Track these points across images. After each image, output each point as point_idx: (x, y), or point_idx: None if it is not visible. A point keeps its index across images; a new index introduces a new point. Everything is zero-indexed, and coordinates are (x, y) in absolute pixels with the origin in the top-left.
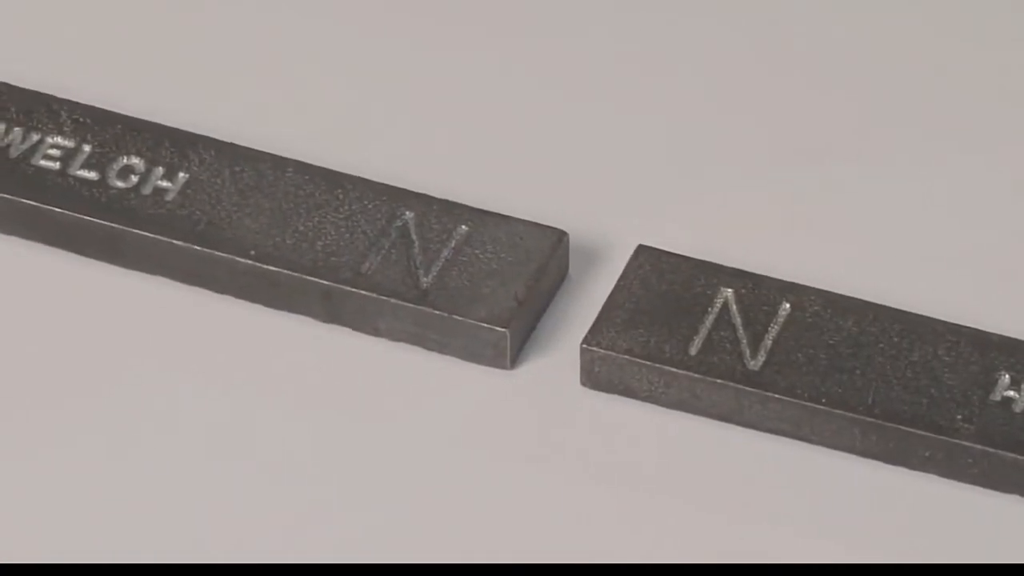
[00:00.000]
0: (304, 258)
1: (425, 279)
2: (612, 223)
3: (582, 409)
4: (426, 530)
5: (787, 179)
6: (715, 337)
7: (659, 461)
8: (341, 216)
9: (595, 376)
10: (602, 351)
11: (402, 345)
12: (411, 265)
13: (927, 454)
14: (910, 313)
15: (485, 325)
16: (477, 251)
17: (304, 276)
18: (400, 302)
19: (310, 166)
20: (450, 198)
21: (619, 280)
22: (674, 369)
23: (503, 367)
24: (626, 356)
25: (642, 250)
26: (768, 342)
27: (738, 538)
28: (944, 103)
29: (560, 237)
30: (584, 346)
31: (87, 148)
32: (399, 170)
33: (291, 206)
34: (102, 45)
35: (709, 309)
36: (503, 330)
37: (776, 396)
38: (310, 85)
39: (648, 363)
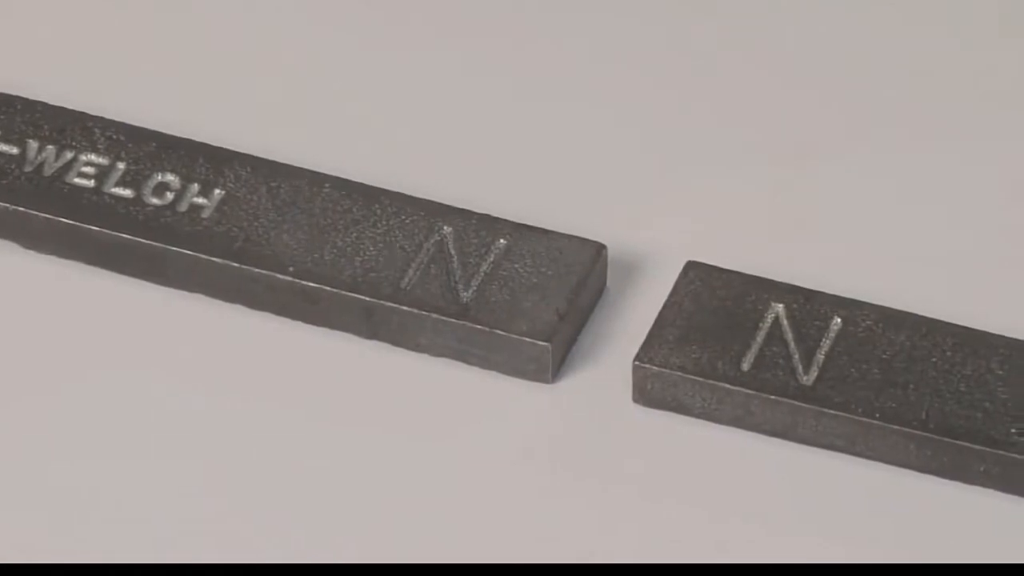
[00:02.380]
0: (343, 274)
1: (465, 294)
2: (649, 236)
3: (635, 426)
4: (474, 545)
5: (834, 192)
6: (767, 353)
7: (714, 478)
8: (379, 231)
9: (647, 393)
10: (655, 368)
11: (444, 360)
12: (451, 280)
13: (983, 468)
14: (962, 327)
15: (527, 339)
16: (516, 265)
17: (344, 292)
18: (441, 317)
19: (347, 181)
20: (488, 212)
21: (669, 296)
22: (727, 385)
23: (545, 381)
24: (679, 373)
25: (692, 266)
26: (820, 357)
27: (795, 554)
28: (983, 105)
29: (599, 250)
30: (637, 363)
31: (121, 166)
32: (436, 185)
33: (329, 222)
34: (135, 63)
35: (760, 325)
36: (545, 344)
37: (830, 412)
38: (346, 101)
39: (701, 379)
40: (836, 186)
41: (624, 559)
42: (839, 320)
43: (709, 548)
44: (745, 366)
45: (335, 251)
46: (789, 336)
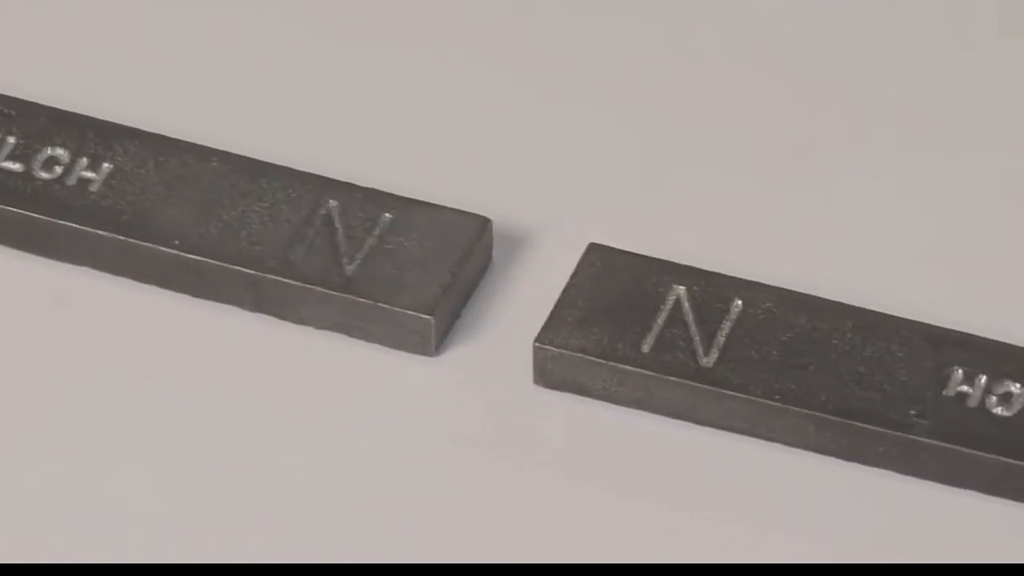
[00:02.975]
0: (229, 247)
1: (349, 267)
2: (537, 212)
3: (535, 407)
4: (358, 525)
5: (734, 175)
6: (668, 335)
7: (613, 459)
8: (265, 205)
9: (548, 374)
10: (555, 350)
11: (327, 333)
12: (335, 253)
13: (882, 450)
14: (863, 309)
15: (410, 312)
16: (401, 239)
17: (229, 265)
18: (325, 290)
19: (234, 156)
20: (374, 186)
21: (571, 278)
22: (627, 367)
23: (428, 354)
24: (579, 354)
25: (594, 248)
26: (721, 339)
27: (693, 536)
28: (926, 103)
29: (484, 224)
30: (537, 344)
31: (11, 140)
32: (323, 159)
33: (215, 196)
34: (25, 37)
35: (661, 306)
36: (428, 317)
37: (730, 393)
38: (233, 75)
39: (601, 361)
40: (738, 170)
41: (520, 543)
42: (740, 302)
43: (610, 530)
44: (646, 348)
45: (221, 225)
46: (690, 318)
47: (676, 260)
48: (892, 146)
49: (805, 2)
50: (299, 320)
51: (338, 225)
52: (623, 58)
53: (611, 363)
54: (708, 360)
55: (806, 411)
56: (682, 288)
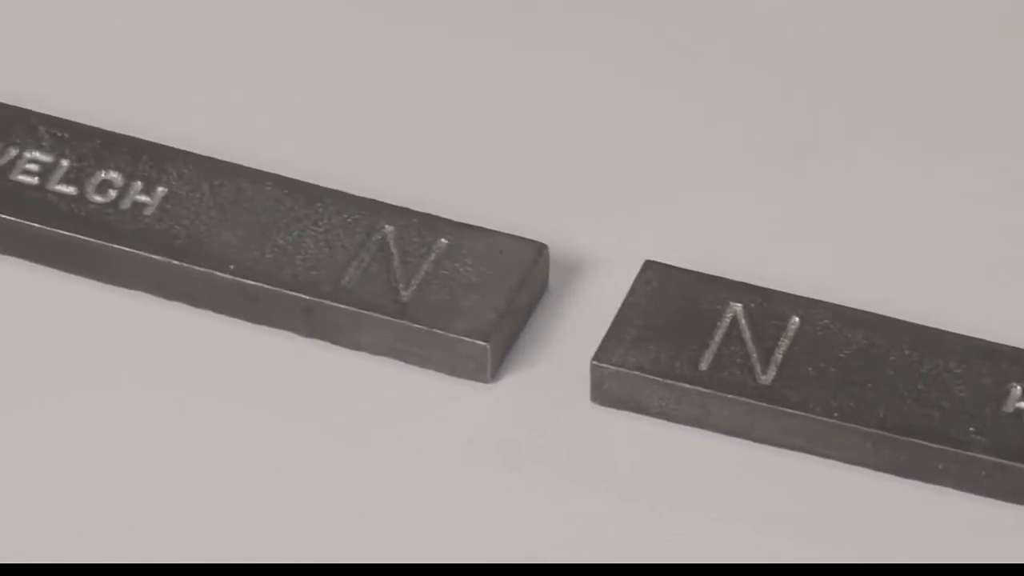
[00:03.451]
0: (284, 272)
1: (405, 292)
2: (591, 235)
3: (593, 426)
4: (417, 543)
5: (784, 187)
6: (725, 352)
7: (672, 477)
8: (320, 230)
9: (605, 392)
10: (612, 367)
11: (383, 359)
12: (391, 278)
13: (941, 467)
14: (920, 325)
15: (465, 338)
16: (457, 264)
17: (284, 290)
18: (380, 316)
19: (289, 180)
20: (430, 211)
21: (627, 296)
22: (685, 385)
23: (483, 380)
24: (637, 372)
25: (649, 265)
26: (778, 356)
27: (752, 552)
28: (906, 98)
29: (540, 250)
30: (595, 362)
31: (65, 163)
32: (378, 183)
33: (270, 220)
34: (79, 58)
35: (718, 324)
36: (484, 344)
37: (788, 411)
38: (289, 98)
39: (659, 379)
40: (790, 183)
41: (581, 558)
42: (797, 319)
43: (668, 546)
44: (703, 366)
45: (276, 249)
46: (747, 335)
47: (727, 276)
48: (892, 146)
49: (805, 2)
50: (354, 346)
51: (394, 250)
52: (625, 61)
53: (669, 381)
54: (766, 377)
55: (864, 428)
56: (739, 305)
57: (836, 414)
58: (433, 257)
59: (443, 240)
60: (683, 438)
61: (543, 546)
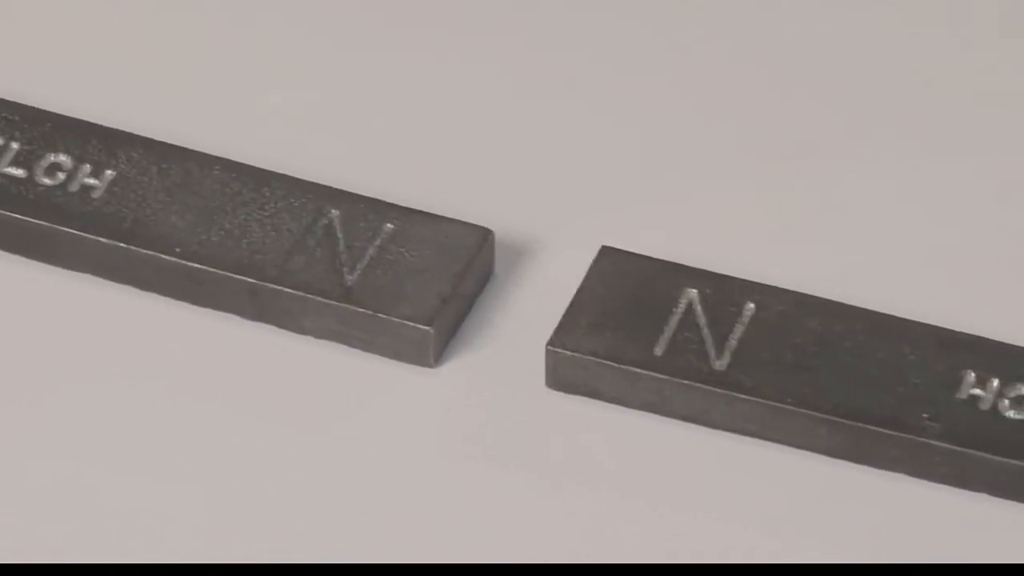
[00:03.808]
0: (230, 255)
1: (350, 277)
2: (537, 219)
3: (547, 411)
4: (359, 533)
5: (750, 179)
6: (680, 338)
7: (625, 462)
8: (267, 214)
9: (561, 377)
10: (568, 352)
11: (327, 343)
12: (336, 263)
13: (894, 453)
14: (875, 312)
15: (409, 323)
16: (402, 249)
17: (229, 273)
18: (325, 300)
19: (237, 164)
20: (376, 197)
21: (583, 281)
22: (639, 370)
23: (427, 365)
24: (591, 357)
25: (606, 251)
26: (733, 342)
27: (706, 539)
28: (928, 104)
29: (485, 235)
30: (550, 347)
31: (15, 146)
32: (325, 168)
33: (217, 204)
34: (29, 42)
35: (674, 310)
36: (427, 328)
37: (742, 396)
38: (236, 82)
39: (613, 364)
40: (747, 173)
41: (537, 547)
42: (752, 305)
43: (621, 532)
44: (658, 351)
45: (222, 233)
46: (702, 321)
47: (682, 262)
48: (892, 146)
49: (805, 2)
50: (299, 329)
51: (340, 235)
52: (621, 58)
53: (623, 366)
54: (720, 363)
55: (818, 414)
56: (694, 291)
57: (790, 400)
58: (378, 242)
59: (389, 225)
60: (637, 423)
61: (495, 536)
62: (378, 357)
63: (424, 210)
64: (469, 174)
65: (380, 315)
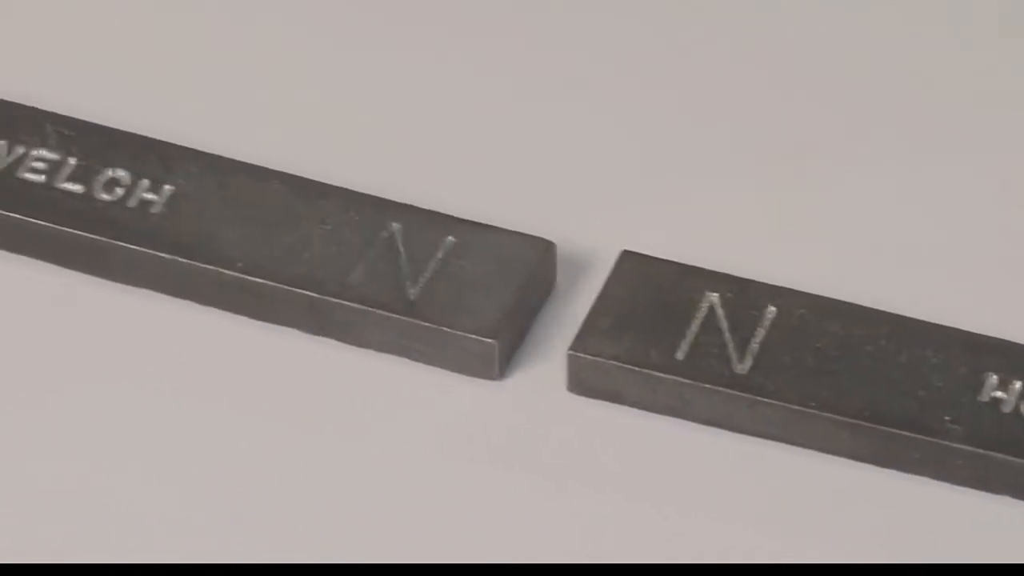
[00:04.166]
0: (290, 270)
1: (412, 290)
2: (598, 231)
3: (570, 415)
4: (417, 540)
5: (770, 182)
6: (702, 342)
7: (648, 466)
8: (327, 228)
9: (582, 382)
10: (589, 357)
11: (389, 356)
12: (398, 276)
13: (917, 456)
14: (897, 315)
15: (473, 336)
16: (464, 262)
17: (290, 288)
18: (387, 313)
19: (295, 177)
20: (437, 209)
21: (604, 286)
22: (661, 374)
23: (492, 377)
24: (613, 362)
25: (626, 256)
26: (755, 346)
27: (729, 542)
28: (930, 104)
29: (547, 247)
30: (571, 352)
31: (72, 161)
32: (385, 181)
33: (277, 218)
34: (86, 57)
35: (695, 314)
36: (491, 341)
37: (764, 400)
38: (294, 96)
39: (635, 368)
40: (774, 177)
41: (564, 550)
42: (773, 309)
43: (645, 536)
44: (680, 355)
45: (283, 247)
46: (724, 325)
47: (709, 267)
48: (916, 149)
49: (805, 2)
50: (360, 343)
51: (401, 248)
52: (623, 58)
53: (645, 370)
54: (742, 367)
55: (841, 417)
56: (715, 295)
57: (812, 403)
58: (440, 255)
59: (450, 237)
60: (659, 427)
61: (520, 540)
62: (442, 370)
63: (484, 222)
64: (527, 185)
65: (444, 328)
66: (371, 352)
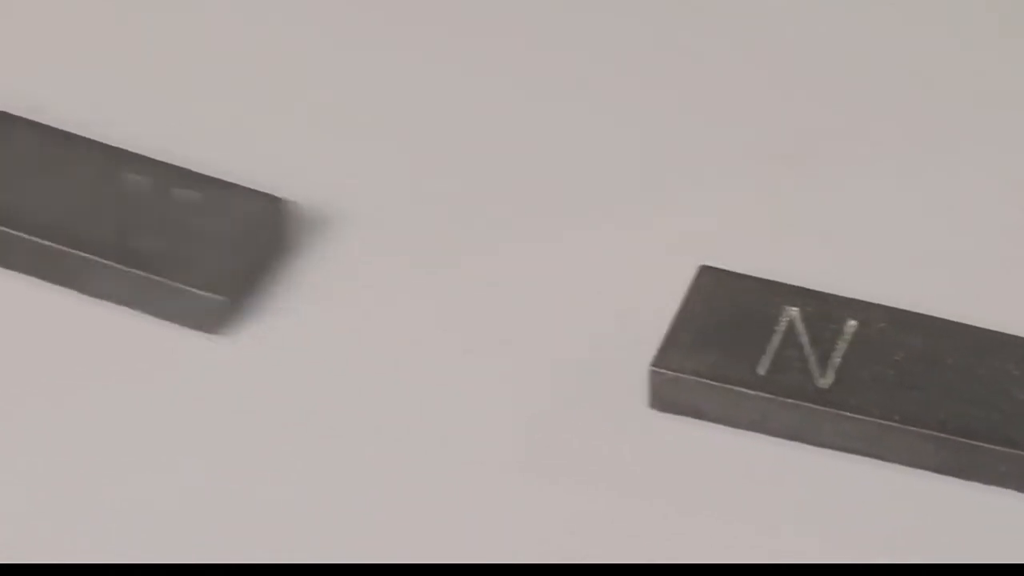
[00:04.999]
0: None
1: (143, 242)
2: (599, 231)
3: (651, 431)
4: (454, 538)
5: (776, 183)
6: (783, 356)
7: (730, 482)
8: (67, 179)
9: (664, 399)
10: (671, 373)
11: (120, 308)
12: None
13: (1002, 469)
14: (977, 328)
15: (203, 292)
16: (202, 218)
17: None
18: (117, 265)
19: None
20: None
21: (684, 301)
22: (744, 389)
23: (220, 333)
24: (695, 378)
25: (705, 270)
26: (836, 360)
27: (816, 557)
28: (929, 104)
29: (281, 204)
30: (653, 368)
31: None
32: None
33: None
34: (29, 43)
35: (775, 328)
36: (222, 297)
37: (848, 414)
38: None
39: (717, 384)
40: (836, 187)
41: (635, 562)
42: (854, 323)
43: (728, 553)
44: (761, 370)
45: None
46: (804, 339)
47: (782, 280)
48: (893, 146)
49: (805, 2)
50: (89, 293)
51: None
52: (623, 58)
53: (727, 386)
54: (825, 381)
55: (925, 431)
56: (795, 310)
57: (896, 417)
58: (179, 210)
59: (193, 193)
60: (742, 443)
61: (601, 556)
62: (170, 324)
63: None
64: (527, 183)
65: (175, 284)
66: (101, 302)
